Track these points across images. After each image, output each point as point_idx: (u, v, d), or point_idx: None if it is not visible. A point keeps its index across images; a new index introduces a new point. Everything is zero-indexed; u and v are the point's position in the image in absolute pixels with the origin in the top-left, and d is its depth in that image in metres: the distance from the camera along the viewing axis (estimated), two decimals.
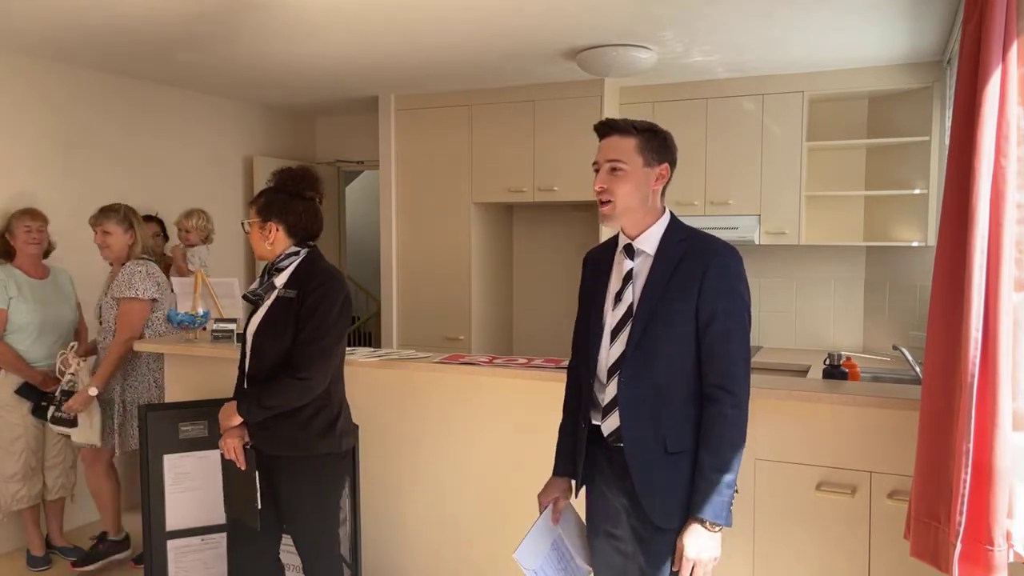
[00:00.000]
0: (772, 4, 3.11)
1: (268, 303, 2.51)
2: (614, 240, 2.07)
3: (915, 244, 4.08)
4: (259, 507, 2.50)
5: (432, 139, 4.92)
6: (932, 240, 3.92)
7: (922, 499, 1.92)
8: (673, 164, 1.99)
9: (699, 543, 1.82)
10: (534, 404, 2.88)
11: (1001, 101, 1.73)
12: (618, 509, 2.00)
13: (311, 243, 2.58)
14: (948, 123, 2.85)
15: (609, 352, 1.96)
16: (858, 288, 4.52)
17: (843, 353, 3.56)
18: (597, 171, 2.00)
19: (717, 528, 1.83)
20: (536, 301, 5.33)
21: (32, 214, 3.70)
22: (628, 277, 1.96)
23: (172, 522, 3.02)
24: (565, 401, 2.19)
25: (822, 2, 3.09)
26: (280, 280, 2.51)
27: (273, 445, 2.49)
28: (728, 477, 1.82)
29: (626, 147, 1.94)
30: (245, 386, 2.55)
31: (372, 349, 3.38)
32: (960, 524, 1.75)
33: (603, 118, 2.02)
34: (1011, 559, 1.77)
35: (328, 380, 2.47)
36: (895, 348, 3.62)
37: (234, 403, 2.50)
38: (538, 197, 4.66)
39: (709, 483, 1.82)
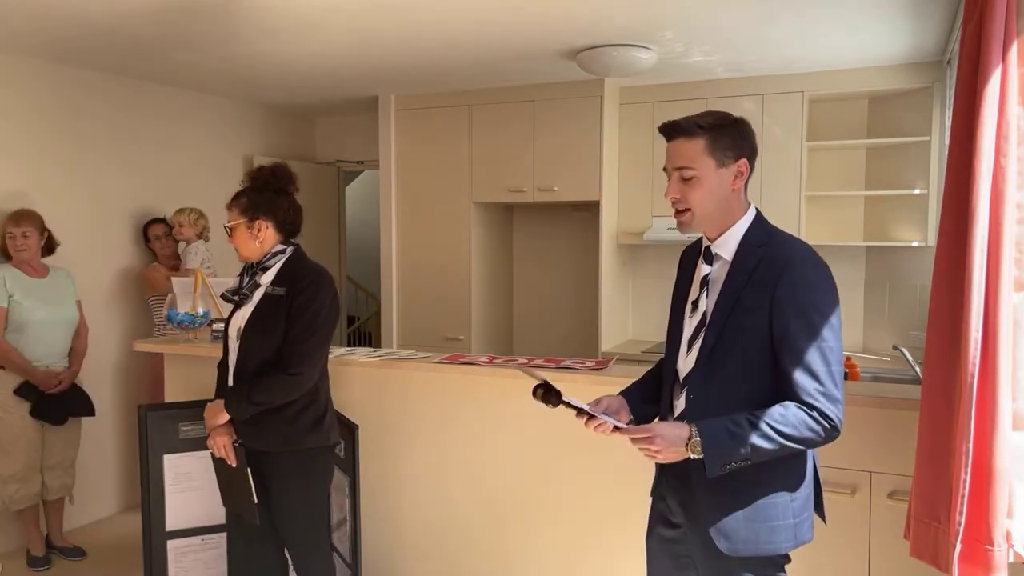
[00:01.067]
0: (772, 4, 3.11)
1: (255, 301, 2.53)
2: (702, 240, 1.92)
3: (915, 244, 4.08)
4: (256, 501, 2.52)
5: (432, 139, 4.91)
6: (932, 240, 3.92)
7: (922, 499, 1.92)
8: (752, 156, 1.79)
9: (673, 439, 1.66)
10: (534, 404, 2.87)
11: (1001, 101, 1.73)
12: (673, 513, 1.90)
13: (294, 241, 2.62)
14: (948, 123, 2.85)
15: (685, 362, 1.84)
16: (858, 288, 4.52)
17: (843, 353, 3.55)
18: (669, 177, 1.81)
19: (695, 453, 1.66)
20: (536, 301, 5.33)
21: (16, 218, 3.64)
22: (704, 283, 1.82)
23: (172, 522, 3.02)
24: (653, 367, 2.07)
25: (822, 2, 3.09)
26: (266, 278, 2.54)
27: (262, 441, 2.51)
28: (756, 442, 1.63)
29: (694, 151, 1.74)
30: (230, 384, 2.57)
31: (372, 349, 3.38)
32: (960, 524, 1.75)
33: (667, 120, 1.80)
34: (1011, 559, 1.77)
35: (317, 375, 2.52)
36: (895, 348, 3.62)
37: (219, 402, 2.53)
38: (538, 197, 4.66)
39: (737, 424, 1.65)
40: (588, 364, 2.88)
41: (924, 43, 3.68)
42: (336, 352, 3.21)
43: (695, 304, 1.84)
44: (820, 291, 1.71)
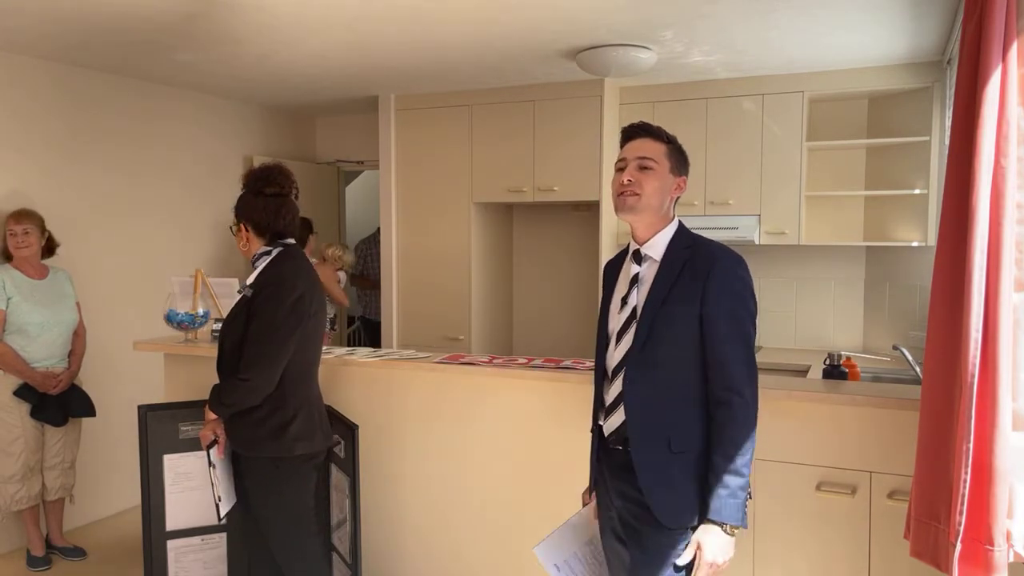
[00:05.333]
0: (772, 3, 3.11)
1: (236, 301, 2.57)
2: (627, 250, 2.11)
3: (915, 244, 4.08)
4: (218, 499, 2.58)
5: (432, 139, 4.92)
6: (932, 240, 3.92)
7: (922, 499, 1.92)
8: (687, 178, 2.06)
9: (716, 545, 1.85)
10: (534, 404, 2.88)
11: (1001, 101, 1.73)
12: (615, 508, 2.05)
13: (286, 241, 2.59)
14: (948, 123, 2.85)
15: (614, 354, 2.01)
16: (858, 288, 4.52)
17: (843, 353, 3.55)
18: (620, 168, 2.00)
19: (733, 531, 1.85)
20: (536, 301, 5.33)
21: (16, 216, 3.65)
22: (634, 281, 2.00)
23: (172, 522, 3.02)
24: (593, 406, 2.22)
25: (822, 2, 3.09)
26: (251, 279, 2.56)
27: (233, 442, 2.56)
28: (742, 480, 1.85)
29: (657, 149, 1.98)
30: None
31: (372, 349, 3.38)
32: (960, 524, 1.75)
33: (634, 122, 2.07)
34: (1011, 559, 1.77)
35: (274, 383, 2.45)
36: (895, 348, 3.62)
37: None
38: (538, 197, 4.66)
39: (725, 486, 1.84)
40: (588, 364, 2.87)
41: (924, 43, 3.68)
42: (336, 352, 3.22)
43: (624, 300, 2.01)
44: (746, 285, 1.93)
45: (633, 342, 1.95)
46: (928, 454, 1.91)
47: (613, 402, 1.99)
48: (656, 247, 1.99)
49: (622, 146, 2.04)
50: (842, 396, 2.39)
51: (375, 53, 3.91)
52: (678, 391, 1.91)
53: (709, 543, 1.85)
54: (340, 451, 2.86)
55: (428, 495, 3.09)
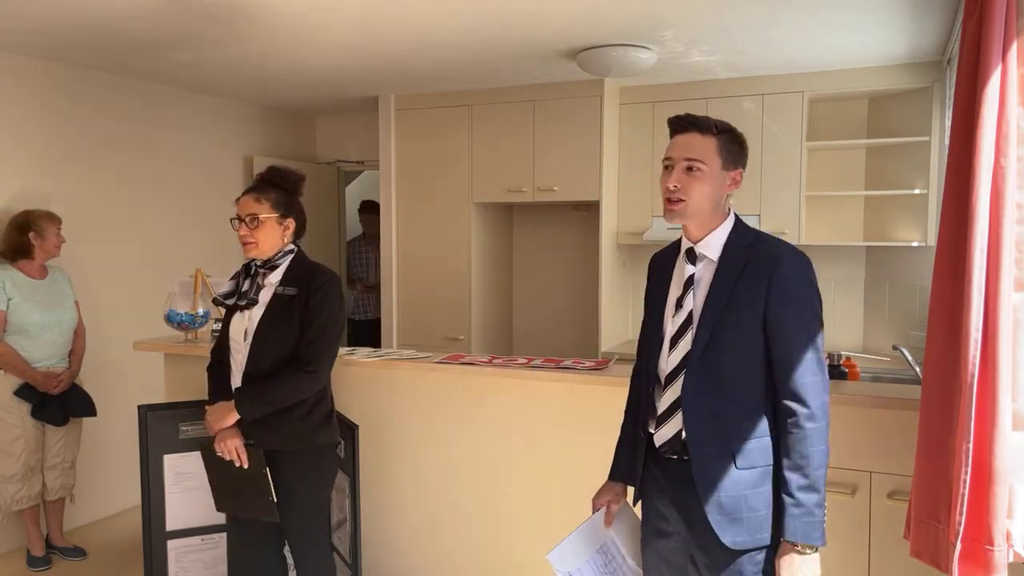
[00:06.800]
0: (772, 4, 3.11)
1: (265, 302, 2.54)
2: (678, 243, 1.95)
3: (915, 244, 4.08)
4: (274, 500, 2.53)
5: (432, 139, 4.92)
6: (932, 240, 3.92)
7: (922, 499, 1.92)
8: (745, 169, 1.90)
9: (794, 567, 1.73)
10: (534, 404, 2.88)
11: (1001, 101, 1.73)
12: (668, 520, 1.91)
13: (297, 242, 2.67)
14: (948, 123, 2.85)
15: (668, 360, 1.86)
16: (858, 288, 4.52)
17: (843, 353, 3.55)
18: (667, 167, 1.84)
19: (812, 550, 1.72)
20: (536, 301, 5.33)
21: (58, 219, 3.77)
22: (689, 283, 1.86)
23: (172, 522, 3.03)
24: (626, 405, 2.09)
25: (822, 2, 3.09)
26: (274, 278, 2.55)
27: (273, 440, 2.52)
28: (818, 496, 1.72)
29: (707, 147, 1.82)
30: (236, 386, 2.56)
31: (372, 349, 3.38)
32: (960, 524, 1.75)
33: (680, 113, 1.88)
34: (1011, 559, 1.77)
35: (330, 373, 2.59)
36: (895, 348, 3.62)
37: (225, 404, 2.53)
38: (538, 197, 4.66)
39: (799, 504, 1.71)
40: (588, 364, 2.88)
41: (924, 43, 3.68)
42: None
43: (679, 303, 1.87)
44: (811, 286, 1.80)
45: (692, 349, 1.80)
46: (928, 454, 1.91)
47: (667, 410, 1.85)
48: (712, 246, 1.84)
49: (671, 137, 1.88)
50: (842, 396, 2.39)
51: (375, 53, 3.91)
52: (742, 401, 1.78)
53: (786, 567, 1.73)
54: (340, 451, 2.86)
55: (428, 495, 3.09)
